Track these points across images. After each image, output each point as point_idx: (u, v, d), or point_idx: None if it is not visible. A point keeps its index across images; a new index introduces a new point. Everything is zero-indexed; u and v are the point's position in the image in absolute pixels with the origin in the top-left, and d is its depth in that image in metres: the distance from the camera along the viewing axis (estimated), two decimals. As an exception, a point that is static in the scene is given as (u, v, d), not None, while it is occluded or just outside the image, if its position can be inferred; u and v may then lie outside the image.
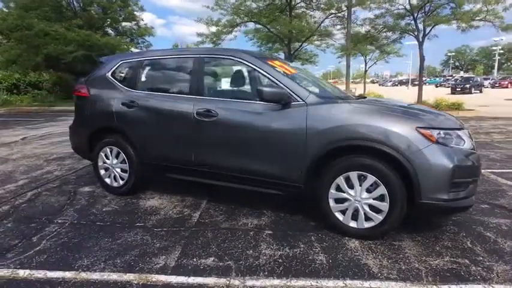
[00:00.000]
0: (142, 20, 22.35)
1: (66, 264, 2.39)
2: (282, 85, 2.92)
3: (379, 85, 62.95)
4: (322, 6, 14.36)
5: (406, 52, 30.59)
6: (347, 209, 2.73)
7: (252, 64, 3.15)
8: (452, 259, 2.43)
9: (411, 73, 56.94)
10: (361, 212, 2.67)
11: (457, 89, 29.25)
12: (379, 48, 18.60)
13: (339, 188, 2.73)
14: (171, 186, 4.11)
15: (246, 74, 3.49)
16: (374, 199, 2.62)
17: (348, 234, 2.75)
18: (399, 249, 2.58)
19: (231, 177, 3.16)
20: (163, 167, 3.50)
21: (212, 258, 2.46)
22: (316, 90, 3.00)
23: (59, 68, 20.86)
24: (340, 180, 2.70)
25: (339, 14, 14.55)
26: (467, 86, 29.47)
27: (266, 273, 2.27)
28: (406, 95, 23.56)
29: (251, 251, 2.56)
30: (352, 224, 2.72)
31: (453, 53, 79.51)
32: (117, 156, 3.73)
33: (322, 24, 15.07)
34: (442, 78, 54.48)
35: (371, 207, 2.64)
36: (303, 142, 2.75)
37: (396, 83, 64.27)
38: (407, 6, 13.52)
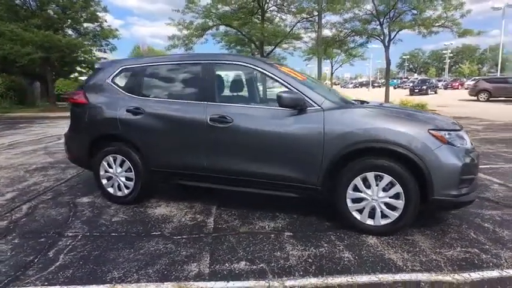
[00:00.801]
0: (105, 21, 21.52)
1: (96, 278, 2.32)
2: (296, 91, 3.03)
3: (341, 87, 65.30)
4: (293, 10, 14.74)
5: (367, 55, 32.09)
6: (364, 208, 2.89)
7: (264, 70, 3.23)
8: (463, 249, 2.67)
9: (370, 75, 59.75)
10: (378, 210, 2.85)
11: (415, 90, 31.19)
12: (346, 51, 19.41)
13: (356, 188, 2.89)
14: (176, 193, 4.08)
15: (258, 80, 3.56)
16: (390, 197, 2.80)
17: (365, 232, 2.91)
18: (414, 243, 2.79)
19: (247, 182, 3.22)
20: (173, 174, 3.47)
21: (244, 262, 2.51)
22: (327, 95, 3.14)
23: (12, 71, 19.49)
24: (358, 181, 2.86)
25: (310, 19, 15.00)
26: (424, 87, 31.54)
27: (301, 273, 2.36)
28: (371, 97, 24.73)
29: (279, 253, 2.64)
30: (369, 221, 2.89)
31: (408, 56, 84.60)
32: (121, 165, 3.63)
33: (294, 28, 15.44)
34: (400, 80, 57.67)
35: (387, 205, 2.83)
36: (322, 146, 2.88)
37: (357, 85, 67.11)
38: (374, 12, 14.26)
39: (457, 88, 41.52)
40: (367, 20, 14.86)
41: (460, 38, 13.78)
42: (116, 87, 3.70)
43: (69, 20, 19.77)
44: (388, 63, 14.82)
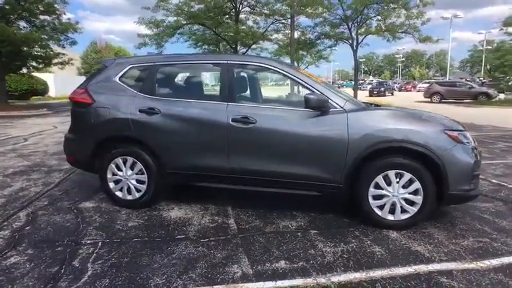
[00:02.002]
0: (64, 13, 20.19)
1: (139, 286, 2.23)
2: (319, 92, 3.12)
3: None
4: (266, 12, 14.92)
5: (333, 57, 33.36)
6: (385, 204, 3.05)
7: (286, 72, 3.28)
8: (475, 239, 2.92)
9: (331, 76, 62.04)
10: (398, 206, 3.03)
11: (374, 92, 32.95)
12: (316, 53, 20.01)
13: (377, 186, 3.04)
14: (185, 195, 3.99)
15: (279, 81, 3.59)
16: (409, 193, 3.00)
17: (385, 227, 3.08)
18: (430, 235, 3.00)
19: (270, 182, 3.25)
20: (192, 176, 3.40)
21: (283, 261, 2.55)
22: (346, 97, 3.27)
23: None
24: (380, 179, 3.02)
25: (283, 21, 15.29)
26: (382, 89, 33.43)
27: (342, 268, 2.45)
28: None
29: (313, 251, 2.71)
30: (390, 217, 3.06)
31: (363, 59, 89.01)
32: (131, 167, 3.49)
33: (267, 30, 15.64)
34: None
35: (406, 200, 3.02)
36: (346, 146, 3.00)
37: (318, 86, 69.07)
38: (343, 17, 14.88)
39: (410, 90, 44.47)
40: (336, 24, 15.45)
41: (421, 43, 14.86)
42: (125, 86, 3.54)
43: (24, 12, 18.28)
44: (357, 65, 15.55)
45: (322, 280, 2.31)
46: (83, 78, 3.25)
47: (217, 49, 22.17)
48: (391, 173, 2.99)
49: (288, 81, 3.29)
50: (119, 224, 3.21)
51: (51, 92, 28.82)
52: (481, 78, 37.21)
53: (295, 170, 3.15)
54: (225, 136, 3.21)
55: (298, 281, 2.30)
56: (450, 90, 23.58)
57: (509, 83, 17.40)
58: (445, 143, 2.91)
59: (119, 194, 3.57)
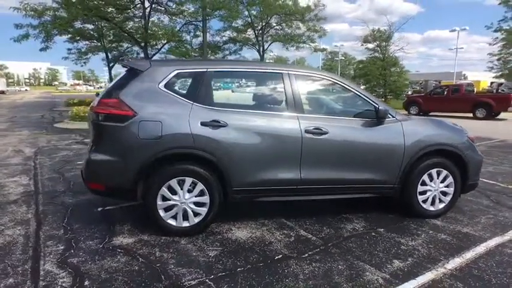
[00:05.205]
0: None
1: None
2: (375, 104, 3.45)
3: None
4: (174, 11, 14.23)
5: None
6: (428, 198, 3.62)
7: (346, 84, 3.48)
8: (491, 216, 3.76)
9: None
10: (437, 198, 3.65)
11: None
12: (223, 58, 20.22)
13: (423, 183, 3.58)
14: (226, 214, 3.66)
15: (340, 92, 3.71)
16: (445, 187, 3.65)
17: (427, 217, 3.64)
18: (457, 219, 3.70)
19: (336, 189, 3.40)
20: (259, 191, 3.21)
21: (397, 261, 2.77)
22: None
23: None
24: (425, 177, 3.57)
25: (194, 22, 14.89)
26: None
27: (442, 257, 2.83)
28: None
29: (404, 247, 3.02)
30: (431, 208, 3.65)
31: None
32: (189, 189, 3.04)
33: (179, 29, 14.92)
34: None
35: (442, 193, 3.66)
36: (403, 151, 3.42)
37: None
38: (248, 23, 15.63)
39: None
40: (241, 29, 16.09)
41: (315, 52, 17.05)
42: (174, 95, 3.06)
43: None
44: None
45: (442, 270, 2.65)
46: None
47: (102, 45, 19.83)
48: (434, 171, 3.58)
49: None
50: (194, 256, 2.79)
51: None
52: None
53: (361, 175, 3.39)
54: (298, 147, 3.19)
55: (429, 275, 2.57)
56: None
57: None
58: (468, 144, 3.68)
59: (171, 222, 3.06)
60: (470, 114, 15.49)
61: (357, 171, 3.39)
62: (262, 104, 3.40)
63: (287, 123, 3.19)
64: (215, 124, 3.03)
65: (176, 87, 3.14)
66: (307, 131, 3.20)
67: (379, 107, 3.32)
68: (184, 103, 3.05)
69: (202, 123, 3.00)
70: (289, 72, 3.36)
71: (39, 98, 33.32)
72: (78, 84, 73.29)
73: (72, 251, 2.84)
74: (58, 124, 11.83)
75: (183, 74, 3.17)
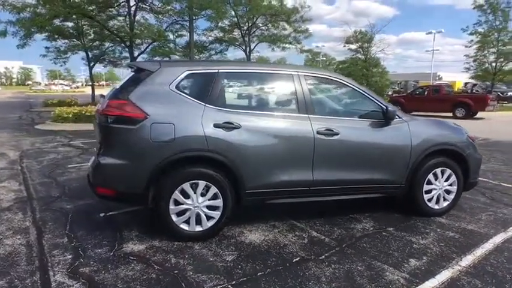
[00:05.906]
0: None
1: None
2: (384, 105, 3.48)
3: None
4: (159, 9, 13.94)
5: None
6: (433, 196, 3.69)
7: (352, 84, 3.50)
8: (491, 213, 3.89)
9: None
10: (442, 196, 3.73)
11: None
12: (208, 57, 19.97)
13: (429, 182, 3.65)
14: (235, 217, 3.60)
15: (348, 93, 3.71)
16: (449, 185, 3.73)
17: (432, 215, 3.71)
18: (460, 216, 3.80)
19: (346, 189, 3.42)
20: (272, 193, 3.18)
21: (413, 260, 2.80)
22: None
23: None
24: (431, 176, 3.64)
25: (181, 22, 14.65)
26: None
27: (454, 255, 2.90)
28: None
29: (417, 246, 3.06)
30: (436, 206, 3.73)
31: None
32: (203, 192, 2.97)
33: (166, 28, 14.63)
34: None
35: (446, 191, 3.74)
36: (410, 150, 3.48)
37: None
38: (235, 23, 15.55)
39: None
40: (228, 29, 15.99)
41: (302, 53, 17.19)
42: (186, 96, 2.98)
43: None
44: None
45: (464, 263, 2.71)
46: None
47: (82, 43, 19.22)
48: (438, 170, 3.66)
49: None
50: (212, 262, 2.73)
51: None
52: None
53: (371, 176, 3.42)
54: (310, 148, 3.18)
55: (446, 273, 2.62)
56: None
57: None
58: (469, 144, 3.79)
59: (184, 226, 2.98)
60: (450, 114, 16.04)
61: (367, 171, 3.42)
62: (273, 105, 3.37)
63: (299, 124, 3.18)
64: (228, 126, 2.97)
65: (187, 89, 3.06)
66: (319, 132, 3.19)
67: (388, 108, 3.36)
68: (197, 104, 2.98)
69: (216, 125, 2.94)
70: (299, 73, 3.34)
71: (13, 98, 31.82)
72: (53, 84, 70.36)
73: (82, 260, 2.71)
74: (39, 126, 11.34)
75: (194, 75, 3.09)
